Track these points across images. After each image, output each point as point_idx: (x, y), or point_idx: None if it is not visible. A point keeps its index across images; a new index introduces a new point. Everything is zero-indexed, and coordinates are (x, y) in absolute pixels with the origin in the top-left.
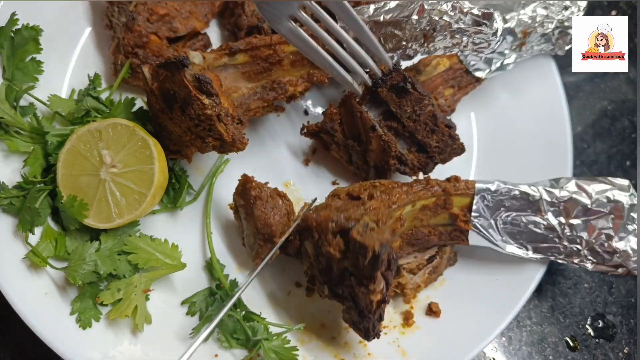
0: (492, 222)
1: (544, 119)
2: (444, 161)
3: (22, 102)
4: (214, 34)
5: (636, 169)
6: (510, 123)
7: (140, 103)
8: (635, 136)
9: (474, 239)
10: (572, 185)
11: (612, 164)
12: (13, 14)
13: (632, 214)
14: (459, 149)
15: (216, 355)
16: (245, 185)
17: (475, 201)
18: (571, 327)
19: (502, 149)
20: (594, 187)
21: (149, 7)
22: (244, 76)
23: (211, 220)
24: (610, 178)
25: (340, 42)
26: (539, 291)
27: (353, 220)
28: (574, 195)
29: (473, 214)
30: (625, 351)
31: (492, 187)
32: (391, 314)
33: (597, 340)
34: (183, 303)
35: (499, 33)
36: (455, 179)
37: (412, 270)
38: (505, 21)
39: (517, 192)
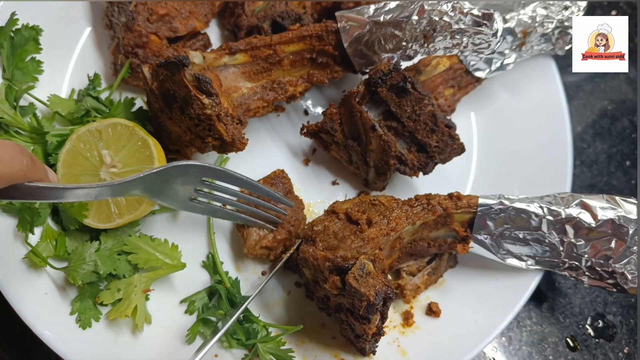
0: (493, 237)
1: (544, 118)
2: (444, 161)
3: (22, 102)
4: (214, 34)
5: (636, 169)
6: (510, 123)
7: (140, 103)
8: (635, 136)
9: (474, 249)
10: (577, 204)
11: (612, 164)
12: (13, 14)
13: (635, 237)
14: (459, 149)
15: (216, 356)
16: (280, 178)
17: (475, 219)
18: (571, 327)
19: (502, 149)
20: (600, 207)
21: (149, 7)
22: (244, 76)
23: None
24: (618, 198)
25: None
26: (538, 291)
27: (350, 261)
28: (579, 216)
29: (474, 230)
30: (625, 351)
31: (495, 205)
32: (391, 314)
33: (597, 340)
34: (182, 301)
35: (499, 34)
36: (457, 196)
37: (413, 273)
38: (505, 21)
39: (519, 210)
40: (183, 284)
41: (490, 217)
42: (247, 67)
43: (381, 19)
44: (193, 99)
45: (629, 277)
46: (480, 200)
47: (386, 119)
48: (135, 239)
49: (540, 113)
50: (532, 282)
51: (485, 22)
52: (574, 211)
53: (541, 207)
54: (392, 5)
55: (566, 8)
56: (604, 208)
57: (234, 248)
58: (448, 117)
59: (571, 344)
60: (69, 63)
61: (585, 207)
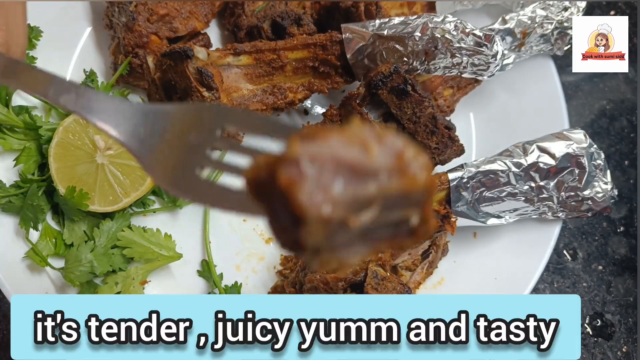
0: (470, 204)
1: (543, 118)
2: (443, 162)
3: (21, 102)
4: (213, 34)
5: (635, 168)
6: (509, 123)
7: (135, 100)
8: (634, 136)
9: (458, 223)
10: (534, 149)
11: (610, 163)
12: None
13: (592, 162)
14: (459, 151)
15: None
16: None
17: (451, 193)
18: None
19: (501, 149)
20: (556, 146)
21: (149, 7)
22: (246, 78)
23: (211, 221)
24: (565, 132)
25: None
26: (537, 290)
27: (360, 273)
28: (540, 159)
29: (452, 204)
30: (624, 350)
31: (464, 175)
32: None
33: (595, 339)
34: None
35: (498, 56)
36: None
37: (409, 267)
38: (504, 22)
39: (486, 172)
40: (182, 283)
41: (463, 188)
42: (250, 70)
43: (385, 32)
44: (193, 91)
45: (598, 199)
46: (450, 176)
47: (386, 121)
48: (128, 233)
49: (539, 113)
50: (530, 282)
51: (486, 43)
52: (534, 157)
53: (504, 163)
54: (397, 20)
55: (565, 9)
56: (558, 145)
57: (233, 248)
58: (447, 118)
59: None
60: (69, 63)
61: (542, 150)
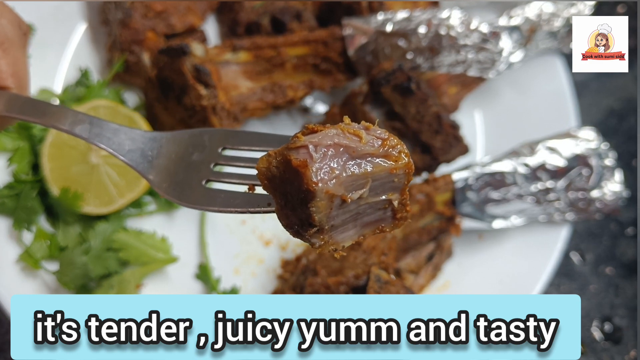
0: (475, 205)
1: (551, 117)
2: (448, 161)
3: None
4: (212, 29)
5: None
6: (516, 121)
7: (132, 99)
8: None
9: (463, 225)
10: (541, 149)
11: (618, 162)
12: None
13: (601, 161)
14: (464, 150)
15: None
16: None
17: (456, 194)
18: None
19: (508, 148)
20: (564, 146)
21: (145, 3)
22: (245, 75)
23: (209, 222)
24: (574, 130)
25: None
26: (544, 293)
27: (363, 276)
28: (547, 160)
29: (457, 205)
30: (631, 355)
31: (470, 176)
32: None
33: (603, 343)
34: None
35: (504, 53)
36: (433, 179)
37: (413, 270)
38: (509, 17)
39: (492, 173)
40: (181, 284)
41: (468, 188)
42: (249, 67)
43: (388, 29)
44: (190, 89)
45: (607, 200)
46: (455, 176)
47: (390, 119)
48: (123, 235)
49: (547, 111)
50: (537, 285)
51: (491, 39)
52: (541, 157)
53: (511, 164)
54: (401, 16)
55: (573, 5)
56: (566, 144)
57: (231, 251)
58: (452, 116)
59: None
60: (64, 61)
61: (550, 149)
